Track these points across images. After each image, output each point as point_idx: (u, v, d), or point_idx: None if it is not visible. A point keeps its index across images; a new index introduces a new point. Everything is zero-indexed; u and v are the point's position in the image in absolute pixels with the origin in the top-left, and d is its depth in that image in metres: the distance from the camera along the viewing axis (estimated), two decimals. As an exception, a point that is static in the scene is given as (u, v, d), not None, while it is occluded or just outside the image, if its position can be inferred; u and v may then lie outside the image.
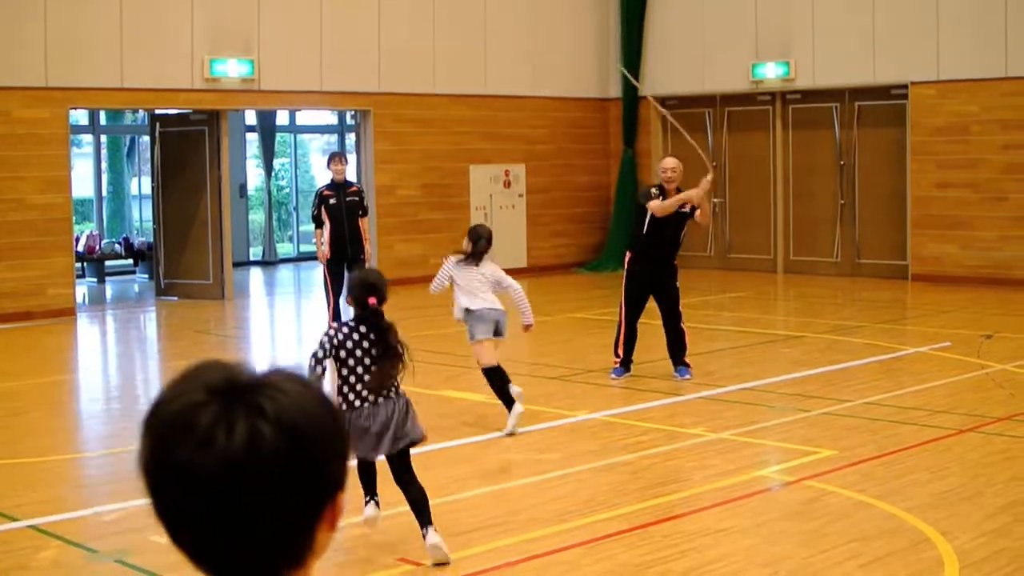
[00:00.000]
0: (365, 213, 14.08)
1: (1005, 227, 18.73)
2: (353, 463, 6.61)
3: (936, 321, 15.18)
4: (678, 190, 11.10)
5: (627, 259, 11.44)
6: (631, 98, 22.57)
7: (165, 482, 1.52)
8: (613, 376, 11.34)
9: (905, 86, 19.67)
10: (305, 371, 1.62)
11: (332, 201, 13.83)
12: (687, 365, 11.28)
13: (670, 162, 11.27)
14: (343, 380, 6.33)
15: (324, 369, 6.28)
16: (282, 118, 25.60)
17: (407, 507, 6.42)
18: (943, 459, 8.18)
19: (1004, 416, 9.47)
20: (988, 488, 7.43)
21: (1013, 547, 6.32)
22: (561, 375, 11.73)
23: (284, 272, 23.95)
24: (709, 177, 11.13)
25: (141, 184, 25.19)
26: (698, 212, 11.12)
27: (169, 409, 1.53)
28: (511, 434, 9.02)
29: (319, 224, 13.88)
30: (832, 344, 13.39)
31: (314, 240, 14.89)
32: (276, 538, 1.52)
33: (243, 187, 24.83)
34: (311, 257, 24.64)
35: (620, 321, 11.41)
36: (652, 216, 11.01)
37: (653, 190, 11.15)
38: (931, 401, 10.13)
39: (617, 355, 11.41)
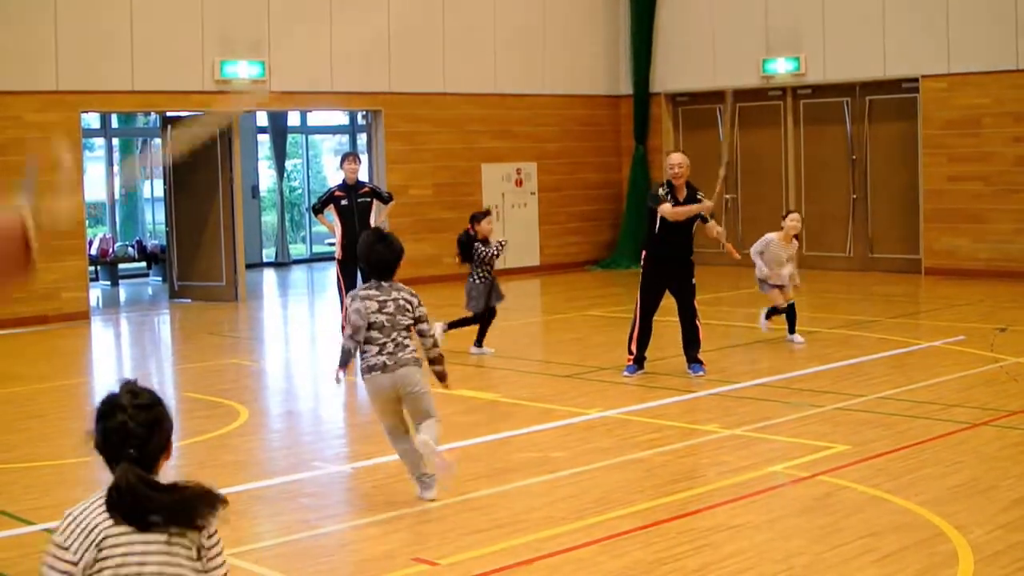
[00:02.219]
0: (388, 199, 14.39)
1: (1018, 219, 18.68)
2: None
3: (949, 315, 15.15)
4: (688, 185, 11.11)
5: (643, 257, 11.42)
6: (642, 94, 22.58)
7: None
8: (626, 373, 11.34)
9: (916, 80, 19.63)
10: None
11: (344, 203, 13.86)
12: (700, 362, 11.28)
13: (677, 157, 11.24)
14: None
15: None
16: (293, 119, 25.65)
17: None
18: (957, 453, 8.17)
19: (1018, 409, 9.46)
20: (1003, 481, 7.43)
21: (1028, 540, 6.31)
22: (574, 373, 11.74)
23: (297, 273, 23.99)
24: (721, 173, 11.18)
25: (153, 187, 25.26)
26: (715, 228, 11.22)
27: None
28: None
29: (316, 212, 14.25)
30: (845, 339, 13.38)
31: (321, 224, 15.39)
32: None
33: (255, 188, 24.89)
34: (324, 258, 24.72)
35: (635, 318, 11.41)
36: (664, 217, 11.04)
37: (662, 190, 11.14)
38: (945, 395, 10.11)
39: (631, 352, 11.41)
